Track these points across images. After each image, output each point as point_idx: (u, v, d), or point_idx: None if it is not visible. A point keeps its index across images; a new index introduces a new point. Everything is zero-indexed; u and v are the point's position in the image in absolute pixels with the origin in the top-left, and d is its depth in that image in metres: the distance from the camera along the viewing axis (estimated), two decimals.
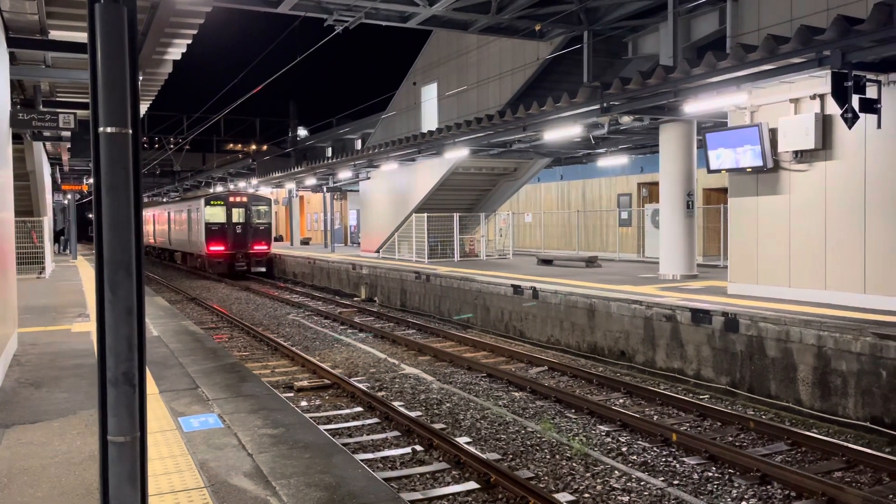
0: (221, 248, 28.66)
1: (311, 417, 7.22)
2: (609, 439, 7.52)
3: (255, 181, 33.83)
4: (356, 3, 15.53)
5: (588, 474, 6.48)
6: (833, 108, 9.12)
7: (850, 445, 6.95)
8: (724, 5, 12.63)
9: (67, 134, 12.57)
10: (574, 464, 6.75)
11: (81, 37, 9.13)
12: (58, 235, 33.44)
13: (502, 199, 23.37)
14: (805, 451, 7.08)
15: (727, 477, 6.41)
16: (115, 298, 2.53)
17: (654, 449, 7.18)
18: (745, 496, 6.00)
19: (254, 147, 54.61)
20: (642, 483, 6.25)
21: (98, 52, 2.50)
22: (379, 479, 4.43)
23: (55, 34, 9.16)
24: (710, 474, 6.49)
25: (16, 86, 12.16)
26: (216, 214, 28.93)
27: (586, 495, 6.03)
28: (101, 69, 2.51)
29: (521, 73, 21.98)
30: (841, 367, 8.02)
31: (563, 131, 14.29)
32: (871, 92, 8.60)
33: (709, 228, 20.03)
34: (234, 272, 28.56)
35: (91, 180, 2.60)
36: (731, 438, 7.53)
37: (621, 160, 21.65)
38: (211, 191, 39.17)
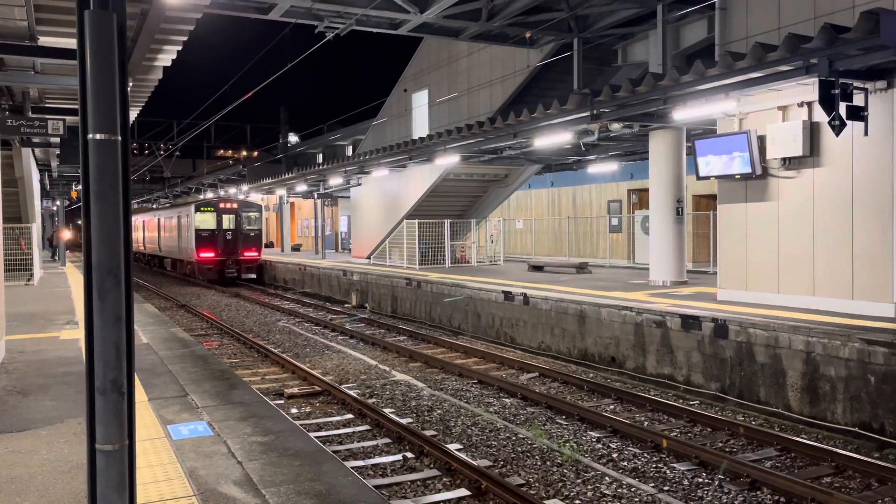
0: (211, 254, 28.52)
1: (301, 425, 7.19)
2: (600, 445, 7.53)
3: (245, 187, 33.75)
4: (347, 9, 15.56)
5: (579, 480, 6.48)
6: (821, 115, 9.19)
7: (839, 451, 6.98)
8: (713, 14, 12.72)
9: (56, 140, 12.50)
10: (565, 470, 6.75)
11: (71, 43, 9.08)
12: (48, 241, 33.21)
13: (493, 205, 23.41)
14: (794, 457, 7.11)
15: (717, 483, 6.42)
16: (104, 305, 2.52)
17: (645, 455, 7.19)
18: (735, 502, 6.02)
19: (244, 153, 54.51)
20: (633, 489, 6.26)
21: (87, 58, 2.50)
22: (369, 487, 4.42)
23: (44, 40, 9.11)
24: (701, 480, 6.51)
25: (4, 92, 12.10)
26: (206, 221, 28.77)
27: (577, 501, 6.03)
28: (91, 76, 2.50)
29: (512, 80, 22.04)
30: (829, 373, 8.06)
31: (553, 138, 14.34)
32: (858, 99, 8.66)
33: (698, 235, 20.12)
34: (225, 279, 28.39)
35: (80, 187, 2.59)
36: (721, 444, 7.56)
37: (611, 167, 21.73)
38: (201, 197, 39.03)
